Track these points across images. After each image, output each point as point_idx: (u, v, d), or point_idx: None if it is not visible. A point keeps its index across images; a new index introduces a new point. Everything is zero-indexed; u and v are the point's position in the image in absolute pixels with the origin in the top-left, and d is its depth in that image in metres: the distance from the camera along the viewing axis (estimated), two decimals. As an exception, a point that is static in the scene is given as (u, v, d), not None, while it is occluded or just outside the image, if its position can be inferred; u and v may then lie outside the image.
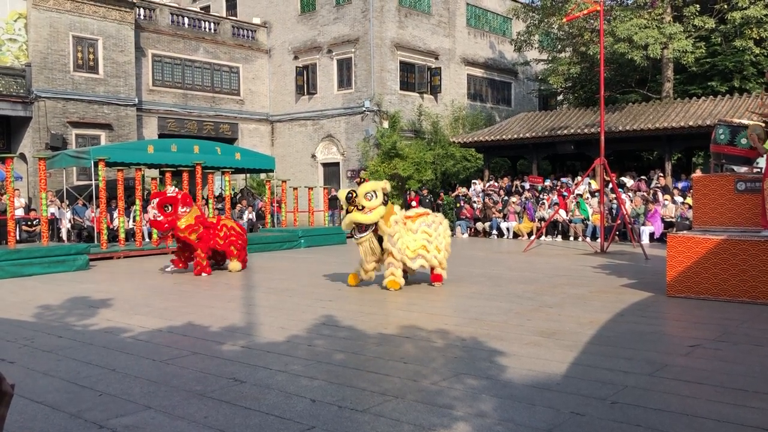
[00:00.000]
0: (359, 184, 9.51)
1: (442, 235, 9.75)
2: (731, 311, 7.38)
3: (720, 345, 5.80)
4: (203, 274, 11.67)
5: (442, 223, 9.93)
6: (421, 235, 9.49)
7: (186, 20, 26.69)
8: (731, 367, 5.05)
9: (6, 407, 1.45)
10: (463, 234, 21.49)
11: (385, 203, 9.14)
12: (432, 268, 9.77)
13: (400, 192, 24.23)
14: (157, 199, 11.78)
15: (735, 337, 6.10)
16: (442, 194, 23.31)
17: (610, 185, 16.17)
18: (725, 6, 21.32)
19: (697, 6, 21.33)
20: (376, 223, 9.08)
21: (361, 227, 9.08)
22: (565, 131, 21.94)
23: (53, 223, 17.03)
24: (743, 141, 8.83)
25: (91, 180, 17.68)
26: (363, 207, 8.95)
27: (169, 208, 11.64)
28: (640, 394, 4.40)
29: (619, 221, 16.76)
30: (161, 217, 11.61)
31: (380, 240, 9.32)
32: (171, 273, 12.15)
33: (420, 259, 9.52)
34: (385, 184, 9.30)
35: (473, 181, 24.43)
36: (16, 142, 22.34)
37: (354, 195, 8.99)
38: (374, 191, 9.05)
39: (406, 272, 9.80)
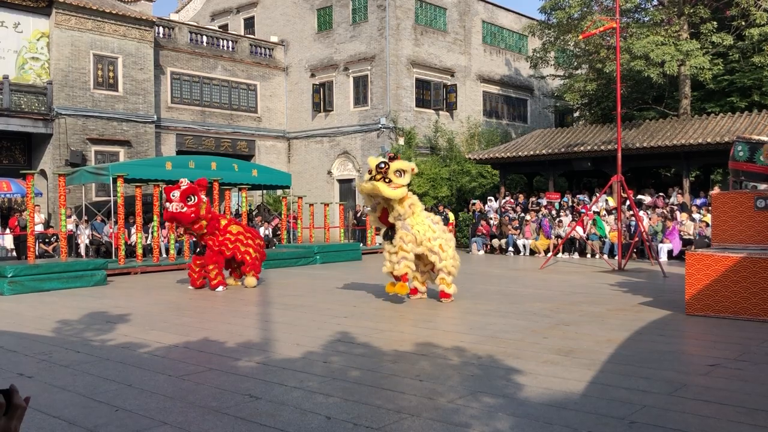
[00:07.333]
0: (391, 159, 9.28)
1: (448, 239, 9.73)
2: (752, 330, 7.27)
3: (740, 365, 5.72)
4: (220, 287, 11.71)
5: (446, 231, 10.07)
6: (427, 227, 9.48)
7: (204, 39, 27.02)
8: (752, 387, 4.97)
9: (19, 421, 1.46)
10: (478, 251, 21.41)
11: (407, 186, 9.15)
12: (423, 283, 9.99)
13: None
14: (179, 191, 11.19)
15: (756, 357, 6.00)
16: (450, 215, 23.14)
17: (628, 202, 16.06)
18: (743, 23, 21.22)
19: (714, 23, 21.25)
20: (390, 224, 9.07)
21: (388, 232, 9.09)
22: (582, 148, 21.85)
23: (72, 238, 17.21)
24: (762, 158, 8.74)
25: (110, 196, 17.85)
26: (390, 180, 8.80)
27: (193, 198, 11.28)
28: (658, 413, 4.34)
29: (636, 238, 16.63)
30: (185, 209, 11.14)
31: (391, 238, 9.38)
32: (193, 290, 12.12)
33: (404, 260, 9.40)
34: (414, 166, 9.20)
35: (489, 197, 24.37)
36: (36, 159, 22.66)
37: (386, 166, 8.85)
38: (403, 170, 8.96)
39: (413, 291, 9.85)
